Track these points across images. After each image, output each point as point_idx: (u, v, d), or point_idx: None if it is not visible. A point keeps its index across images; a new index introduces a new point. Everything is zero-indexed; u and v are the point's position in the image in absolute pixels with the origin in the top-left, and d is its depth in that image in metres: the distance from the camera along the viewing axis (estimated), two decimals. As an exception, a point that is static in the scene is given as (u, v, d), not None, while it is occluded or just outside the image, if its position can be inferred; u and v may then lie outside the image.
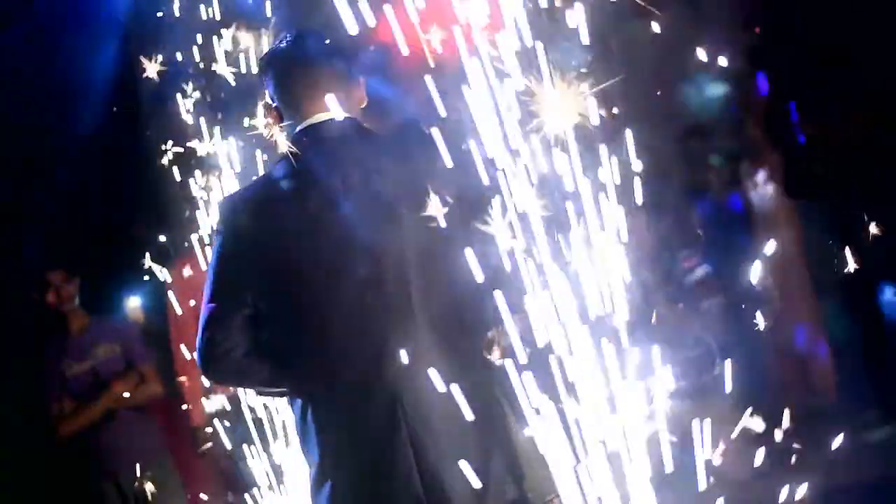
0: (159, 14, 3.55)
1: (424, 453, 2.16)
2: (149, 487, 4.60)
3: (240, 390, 3.46)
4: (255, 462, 3.35)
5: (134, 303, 5.34)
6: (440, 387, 2.15)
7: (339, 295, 2.18)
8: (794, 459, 3.43)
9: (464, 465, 2.14)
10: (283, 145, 2.29)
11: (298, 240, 2.21)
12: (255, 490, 3.37)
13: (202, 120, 3.43)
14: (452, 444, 2.16)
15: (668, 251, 3.90)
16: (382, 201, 2.18)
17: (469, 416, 2.15)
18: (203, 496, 4.52)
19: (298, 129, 2.30)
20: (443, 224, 2.15)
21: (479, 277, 2.15)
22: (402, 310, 2.17)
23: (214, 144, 3.35)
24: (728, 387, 3.01)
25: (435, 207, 2.14)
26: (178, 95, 3.57)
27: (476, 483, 2.14)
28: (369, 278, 2.17)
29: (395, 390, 2.16)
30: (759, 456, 3.13)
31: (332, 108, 2.27)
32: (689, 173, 4.92)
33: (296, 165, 2.25)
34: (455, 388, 2.15)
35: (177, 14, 3.47)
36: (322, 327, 2.20)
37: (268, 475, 3.33)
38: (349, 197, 2.19)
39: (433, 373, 2.15)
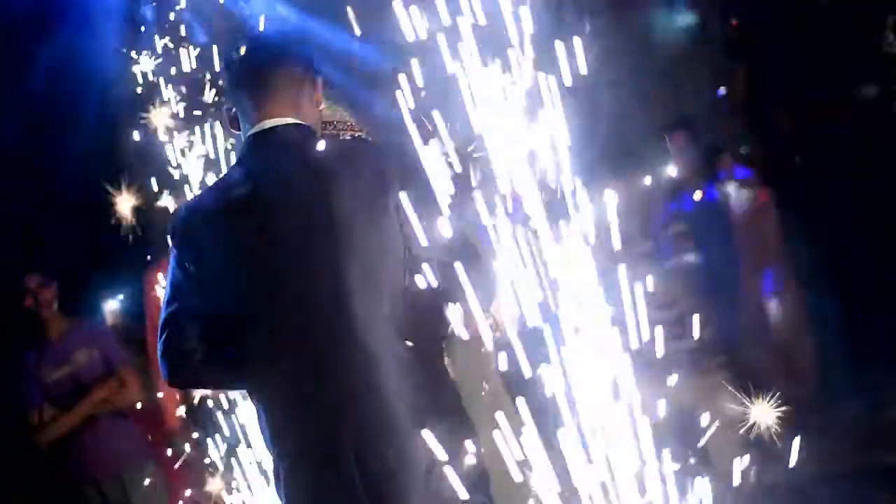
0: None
1: (366, 468, 2.15)
2: (131, 492, 4.57)
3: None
4: (236, 464, 3.33)
5: (112, 306, 5.31)
6: (384, 396, 2.15)
7: (281, 304, 2.18)
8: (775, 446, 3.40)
9: (408, 475, 2.14)
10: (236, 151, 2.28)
11: (243, 248, 2.22)
12: (236, 492, 3.35)
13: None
14: (396, 453, 2.15)
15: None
16: (326, 210, 2.16)
17: (415, 426, 2.14)
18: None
19: (249, 134, 2.30)
20: (388, 232, 2.16)
21: (433, 287, 2.13)
22: (344, 321, 2.16)
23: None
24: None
25: (383, 215, 2.14)
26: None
27: (421, 491, 2.14)
28: (309, 288, 2.17)
29: (336, 398, 2.16)
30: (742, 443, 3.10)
31: (283, 113, 2.28)
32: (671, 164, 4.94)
33: (244, 173, 2.26)
34: (399, 398, 2.15)
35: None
36: (267, 336, 2.21)
37: (248, 476, 3.30)
38: (293, 206, 2.19)
39: (377, 380, 2.15)
